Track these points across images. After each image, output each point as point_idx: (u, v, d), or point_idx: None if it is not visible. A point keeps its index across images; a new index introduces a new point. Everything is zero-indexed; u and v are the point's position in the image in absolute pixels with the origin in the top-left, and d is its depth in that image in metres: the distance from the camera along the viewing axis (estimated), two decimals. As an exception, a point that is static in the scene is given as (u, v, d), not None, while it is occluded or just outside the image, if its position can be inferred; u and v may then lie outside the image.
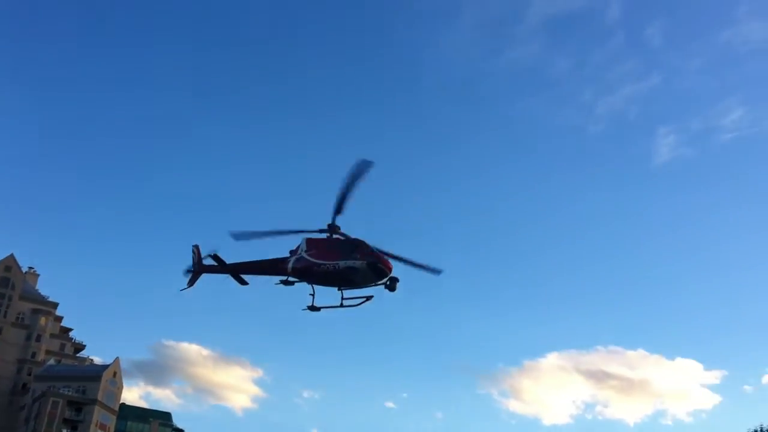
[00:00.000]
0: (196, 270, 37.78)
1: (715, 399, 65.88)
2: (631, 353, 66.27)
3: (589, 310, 72.87)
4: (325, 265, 35.51)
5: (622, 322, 71.51)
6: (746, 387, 64.37)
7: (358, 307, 36.13)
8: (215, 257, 36.96)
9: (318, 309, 36.11)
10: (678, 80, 71.24)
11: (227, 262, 37.47)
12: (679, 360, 67.63)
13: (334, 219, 35.88)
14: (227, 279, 37.28)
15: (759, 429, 62.51)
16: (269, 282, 36.97)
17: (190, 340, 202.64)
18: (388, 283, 35.14)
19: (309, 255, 36.12)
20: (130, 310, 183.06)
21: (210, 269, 37.82)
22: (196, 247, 37.71)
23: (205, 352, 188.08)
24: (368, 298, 35.76)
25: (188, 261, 38.44)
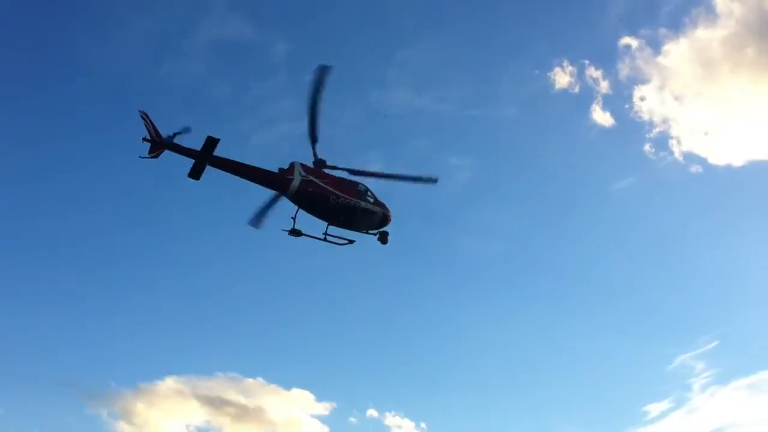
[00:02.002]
0: (157, 142, 32.48)
1: (324, 429, 68.81)
2: (249, 381, 66.24)
3: (211, 336, 73.50)
4: (344, 198, 33.83)
5: (242, 350, 73.32)
6: (352, 419, 68.15)
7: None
8: (212, 142, 31.87)
9: (300, 234, 34.09)
10: (329, 129, 73.29)
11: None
12: (295, 390, 69.98)
13: (315, 150, 33.79)
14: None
15: None
16: None
17: None
18: (378, 236, 35.15)
19: (322, 182, 33.82)
20: None
21: (177, 148, 32.66)
22: (145, 114, 32.99)
23: None
24: (351, 241, 35.13)
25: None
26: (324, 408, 75.37)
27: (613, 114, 78.83)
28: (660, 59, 77.97)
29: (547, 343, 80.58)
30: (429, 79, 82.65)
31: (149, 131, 32.54)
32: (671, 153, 77.76)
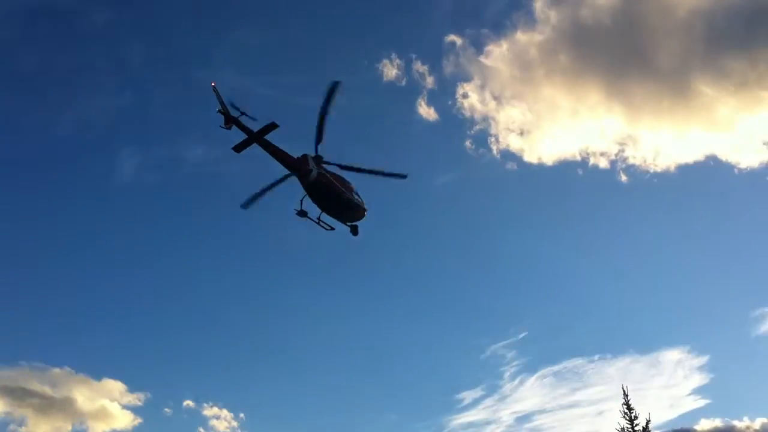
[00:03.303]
0: (229, 117, 34.53)
1: (136, 420, 72.85)
2: (56, 371, 69.19)
3: (12, 322, 73.45)
4: (345, 194, 37.50)
5: (48, 338, 74.45)
6: (167, 410, 73.03)
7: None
8: (271, 126, 34.75)
9: (306, 215, 37.51)
10: (149, 106, 74.01)
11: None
12: (105, 380, 73.31)
13: (317, 149, 36.69)
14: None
15: None
16: None
17: None
18: (351, 228, 39.34)
19: (330, 176, 37.06)
20: None
21: (240, 126, 34.87)
22: (215, 87, 34.32)
23: None
24: (332, 228, 38.82)
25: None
26: (137, 398, 76.04)
27: (438, 109, 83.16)
28: (482, 59, 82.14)
29: (366, 334, 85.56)
30: (258, 63, 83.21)
31: (221, 105, 34.15)
32: (490, 150, 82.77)
